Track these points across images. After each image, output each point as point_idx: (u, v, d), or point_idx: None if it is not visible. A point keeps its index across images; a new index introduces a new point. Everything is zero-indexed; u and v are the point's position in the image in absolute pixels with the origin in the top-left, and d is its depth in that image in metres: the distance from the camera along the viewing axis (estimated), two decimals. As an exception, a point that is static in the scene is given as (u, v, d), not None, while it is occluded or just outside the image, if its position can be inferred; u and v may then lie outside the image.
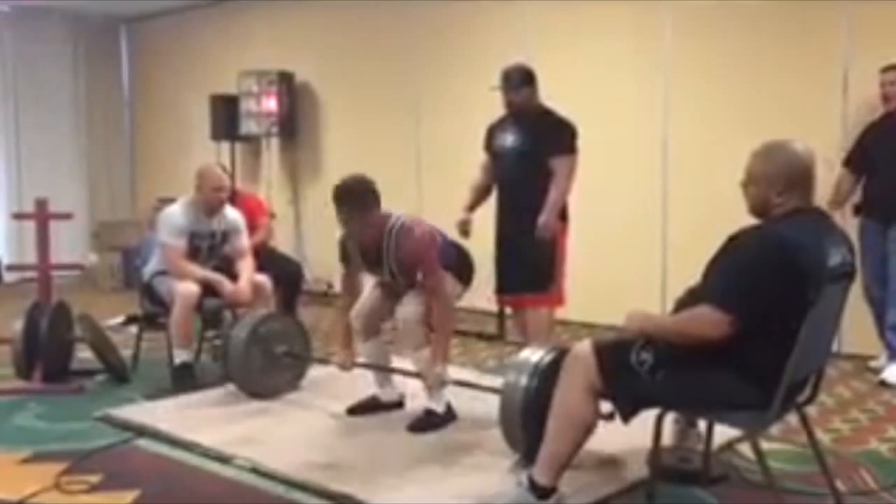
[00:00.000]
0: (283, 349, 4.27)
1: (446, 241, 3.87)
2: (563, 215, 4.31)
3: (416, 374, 3.76)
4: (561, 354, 3.04)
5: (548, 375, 3.01)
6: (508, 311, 5.00)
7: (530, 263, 4.23)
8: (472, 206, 4.48)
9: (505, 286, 4.40)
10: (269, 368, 4.23)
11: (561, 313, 4.59)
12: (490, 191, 4.47)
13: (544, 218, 4.19)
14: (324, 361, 4.36)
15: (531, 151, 4.27)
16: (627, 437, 2.85)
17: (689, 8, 5.48)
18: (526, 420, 3.08)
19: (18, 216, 5.79)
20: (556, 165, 4.24)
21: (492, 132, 4.49)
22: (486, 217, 4.46)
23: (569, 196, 4.32)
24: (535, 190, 4.21)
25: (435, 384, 3.67)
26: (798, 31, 5.05)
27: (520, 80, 4.34)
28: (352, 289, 3.98)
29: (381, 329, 3.95)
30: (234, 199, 5.84)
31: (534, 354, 3.25)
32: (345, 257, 3.90)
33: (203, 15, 8.50)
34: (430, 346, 3.69)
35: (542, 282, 4.26)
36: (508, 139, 4.37)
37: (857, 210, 4.68)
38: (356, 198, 3.56)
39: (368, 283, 3.98)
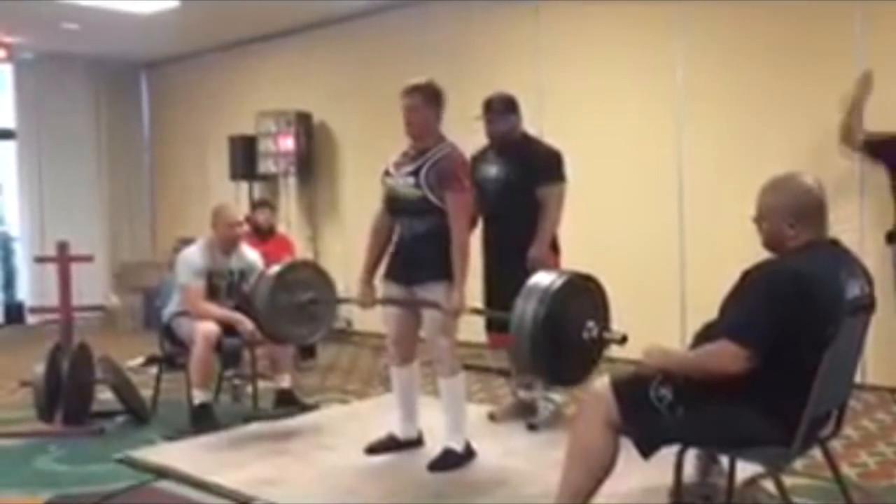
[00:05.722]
0: (308, 296, 4.13)
1: None
2: (553, 246, 4.24)
3: (433, 304, 3.63)
4: (575, 278, 2.97)
5: (558, 300, 2.87)
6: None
7: None
8: None
9: (497, 322, 4.16)
10: (295, 316, 4.11)
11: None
12: (475, 224, 4.35)
13: (535, 250, 4.10)
14: (346, 301, 4.21)
15: (517, 181, 4.19)
16: (648, 473, 2.81)
17: (700, 41, 5.50)
18: (534, 346, 2.87)
19: (41, 259, 5.86)
20: (545, 195, 4.17)
21: (475, 163, 4.36)
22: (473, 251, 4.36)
23: (559, 226, 4.25)
24: (523, 221, 4.13)
25: (452, 310, 3.59)
26: (811, 63, 5.05)
27: (503, 109, 4.26)
28: (383, 224, 3.86)
29: (415, 354, 3.90)
30: (271, 235, 6.08)
31: (544, 279, 3.03)
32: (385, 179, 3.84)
33: (221, 58, 8.63)
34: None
35: None
36: (493, 170, 4.29)
37: (891, 237, 4.61)
38: (431, 92, 3.72)
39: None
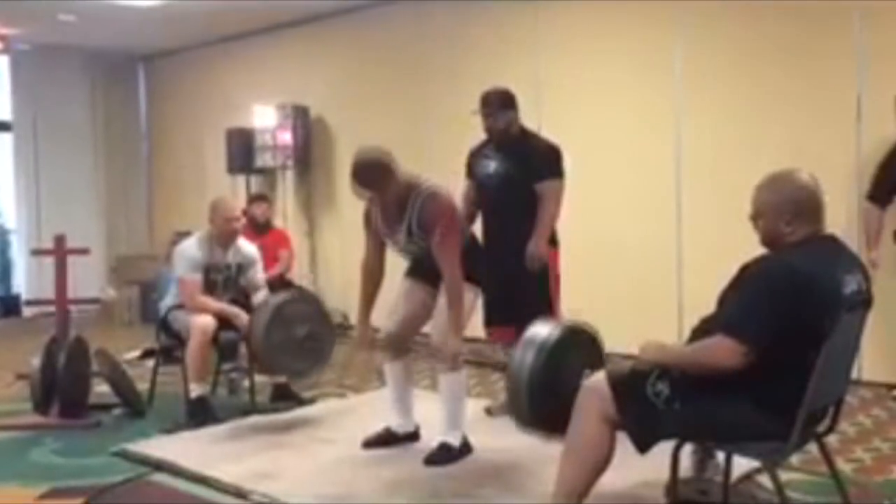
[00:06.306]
0: (305, 330, 4.18)
1: (465, 225, 3.92)
2: (552, 240, 4.24)
3: (433, 348, 3.66)
4: (572, 328, 2.99)
5: (555, 352, 2.91)
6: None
7: (523, 293, 4.11)
8: None
9: (497, 318, 4.22)
10: (292, 350, 4.16)
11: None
12: (474, 218, 4.37)
13: (533, 246, 4.11)
14: (345, 332, 4.28)
15: (516, 177, 4.18)
16: (644, 468, 2.82)
17: (699, 37, 5.50)
18: (532, 397, 2.91)
19: (37, 252, 5.86)
20: (544, 190, 4.17)
21: (472, 159, 4.39)
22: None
23: (557, 221, 4.24)
24: (522, 216, 4.13)
25: (449, 357, 3.61)
26: (811, 60, 5.05)
27: (501, 104, 4.24)
28: (374, 263, 3.88)
29: (409, 349, 3.92)
30: (268, 229, 6.16)
31: (542, 330, 3.05)
32: (368, 224, 3.83)
33: (218, 51, 8.61)
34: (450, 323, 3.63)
35: (539, 313, 4.16)
36: (491, 165, 4.28)
37: None
38: (374, 177, 3.60)
39: (386, 302, 3.93)
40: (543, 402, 2.84)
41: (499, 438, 3.95)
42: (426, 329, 3.83)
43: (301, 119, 7.66)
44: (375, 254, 3.87)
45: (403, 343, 3.88)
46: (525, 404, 2.93)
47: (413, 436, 3.94)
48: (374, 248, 3.86)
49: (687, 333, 2.76)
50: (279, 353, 4.14)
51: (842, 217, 4.37)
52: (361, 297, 3.88)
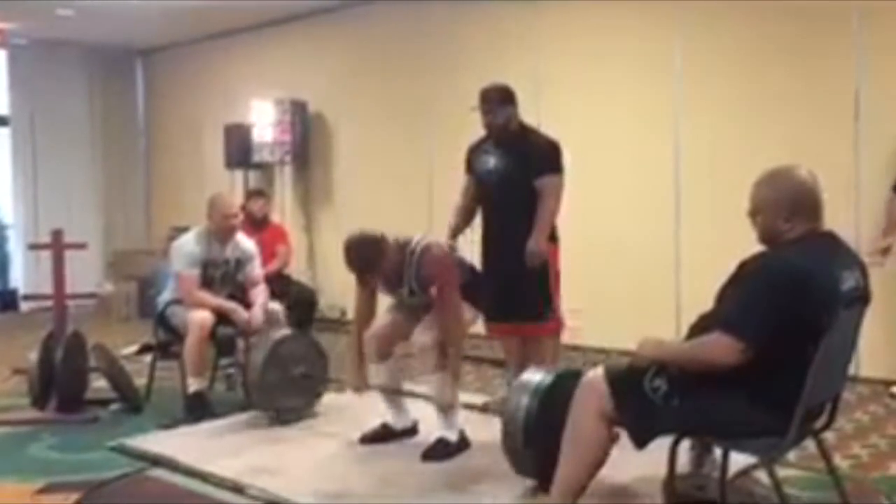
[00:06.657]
0: (300, 370, 4.25)
1: (462, 261, 3.98)
2: (552, 236, 4.23)
3: (427, 398, 3.74)
4: (565, 376, 3.02)
5: (548, 396, 3.01)
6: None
7: (524, 290, 4.12)
8: (457, 231, 4.36)
9: (496, 314, 4.20)
10: (286, 389, 4.21)
11: (575, 338, 4.54)
12: (474, 214, 4.37)
13: (532, 243, 4.09)
14: (339, 382, 4.35)
15: (516, 173, 4.17)
16: (642, 463, 2.82)
17: (699, 34, 5.50)
18: (527, 441, 3.04)
19: (34, 246, 5.84)
20: (543, 186, 4.15)
21: (472, 154, 4.38)
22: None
23: (557, 217, 4.24)
24: (522, 212, 4.12)
25: (445, 404, 3.66)
26: (809, 58, 5.04)
27: (500, 100, 4.22)
28: (366, 311, 3.93)
29: (393, 352, 3.94)
30: (265, 224, 6.15)
31: (534, 376, 3.21)
32: (362, 280, 3.84)
33: (216, 46, 8.60)
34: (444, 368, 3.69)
35: (539, 310, 4.16)
36: (491, 161, 4.27)
37: None
38: (371, 264, 3.66)
39: (382, 307, 3.98)
40: (537, 445, 2.92)
41: (496, 434, 3.95)
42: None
43: (299, 114, 7.65)
44: (368, 305, 3.94)
45: (387, 349, 3.90)
46: (520, 446, 3.05)
47: (410, 431, 3.94)
48: (367, 299, 3.93)
49: (685, 330, 2.76)
50: (274, 392, 4.20)
51: (840, 214, 4.36)
52: (355, 343, 3.91)
